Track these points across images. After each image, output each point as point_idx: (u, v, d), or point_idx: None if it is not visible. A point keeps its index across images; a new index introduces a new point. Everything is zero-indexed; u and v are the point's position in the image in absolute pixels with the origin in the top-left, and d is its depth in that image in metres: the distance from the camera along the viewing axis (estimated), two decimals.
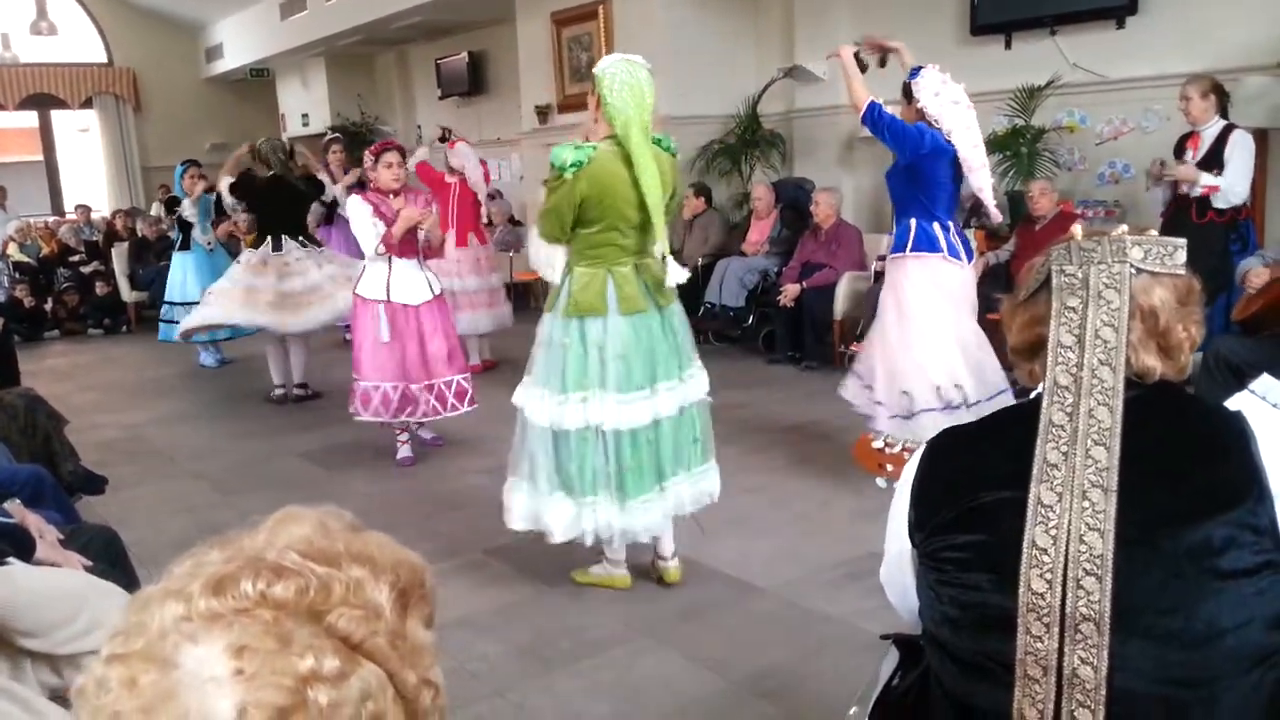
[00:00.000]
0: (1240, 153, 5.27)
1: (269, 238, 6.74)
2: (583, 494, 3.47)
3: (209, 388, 7.73)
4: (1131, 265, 1.42)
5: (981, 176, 4.32)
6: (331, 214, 8.27)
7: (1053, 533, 1.34)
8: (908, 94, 4.35)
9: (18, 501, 2.87)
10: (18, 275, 11.12)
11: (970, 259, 4.47)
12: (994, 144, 6.79)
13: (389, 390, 5.11)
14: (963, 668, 1.42)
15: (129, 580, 2.88)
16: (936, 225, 4.36)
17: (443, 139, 7.80)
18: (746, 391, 6.47)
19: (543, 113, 9.87)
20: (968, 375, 4.34)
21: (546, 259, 3.42)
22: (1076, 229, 1.53)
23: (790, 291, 7.18)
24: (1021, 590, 1.34)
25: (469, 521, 4.43)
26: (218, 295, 6.68)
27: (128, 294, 10.74)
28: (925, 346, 4.35)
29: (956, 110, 4.24)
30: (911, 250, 4.39)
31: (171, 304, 8.20)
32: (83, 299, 10.83)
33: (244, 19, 14.36)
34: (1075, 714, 1.31)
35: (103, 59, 15.76)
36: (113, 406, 7.14)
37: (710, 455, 3.72)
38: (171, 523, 4.57)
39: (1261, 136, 5.58)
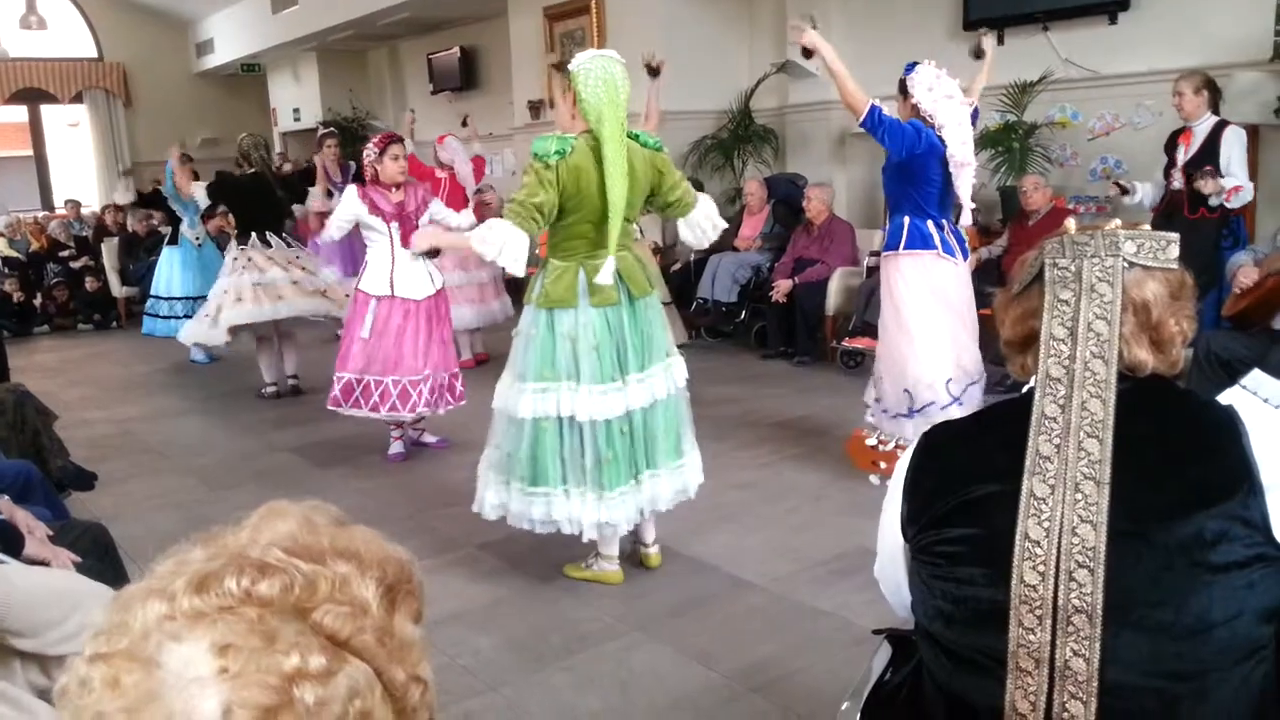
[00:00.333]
0: (1239, 151, 5.29)
1: (253, 235, 6.70)
2: (537, 484, 3.48)
3: (199, 383, 7.70)
4: (1124, 259, 1.43)
5: (964, 175, 4.29)
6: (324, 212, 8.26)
7: (1045, 525, 1.34)
8: (903, 90, 4.35)
9: (6, 498, 2.85)
10: (7, 270, 11.06)
11: (965, 256, 4.47)
12: (986, 139, 6.80)
13: (388, 384, 5.09)
14: (955, 661, 1.42)
15: (118, 576, 2.86)
16: (930, 223, 4.35)
17: (464, 125, 7.96)
18: (738, 387, 6.47)
19: (535, 108, 9.85)
20: (960, 371, 4.34)
21: (502, 244, 3.31)
22: (1070, 223, 1.53)
23: (783, 287, 7.18)
24: (1014, 582, 1.34)
25: (461, 517, 4.41)
26: (230, 297, 6.60)
27: (118, 289, 10.71)
28: (922, 344, 4.34)
29: (950, 105, 4.24)
30: (905, 248, 4.39)
31: (158, 299, 8.17)
32: (72, 294, 10.79)
33: (235, 13, 14.30)
34: (1067, 706, 1.31)
35: (93, 54, 15.68)
36: (102, 402, 7.11)
37: (689, 449, 3.71)
38: (161, 518, 4.55)
39: (1252, 132, 5.59)
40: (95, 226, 12.08)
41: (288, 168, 8.41)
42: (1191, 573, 1.29)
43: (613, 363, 3.45)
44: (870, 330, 5.71)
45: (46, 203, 15.56)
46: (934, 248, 4.34)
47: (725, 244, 8.10)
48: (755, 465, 4.94)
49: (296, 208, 7.50)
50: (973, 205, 4.43)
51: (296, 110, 14.87)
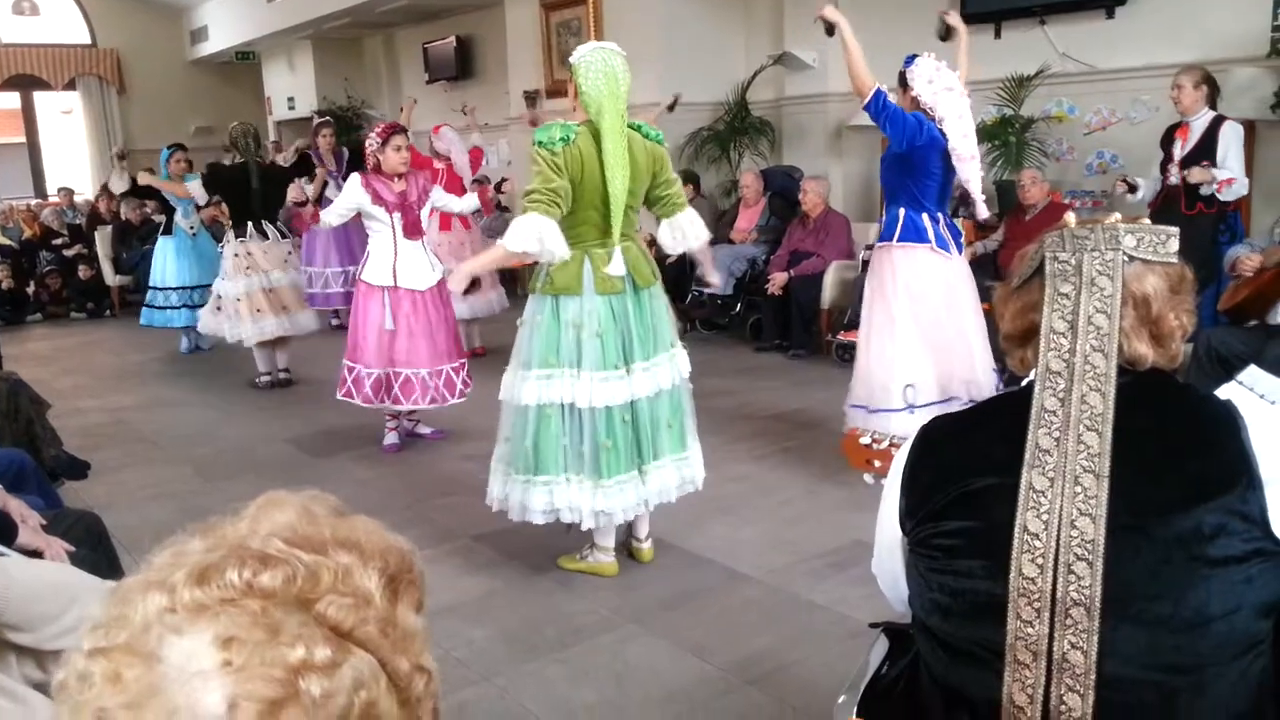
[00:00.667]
0: (1237, 146, 5.30)
1: (249, 226, 6.72)
2: (540, 472, 3.48)
3: (193, 373, 7.68)
4: (1125, 253, 1.42)
5: (970, 168, 4.29)
6: (319, 196, 8.24)
7: (1044, 518, 1.34)
8: (903, 82, 4.34)
9: None
10: None
11: (960, 251, 4.45)
12: (983, 133, 6.77)
13: (390, 376, 5.08)
14: (953, 654, 1.42)
15: (111, 566, 2.86)
16: (925, 216, 4.34)
17: (464, 113, 8.06)
18: (733, 379, 6.47)
19: (531, 98, 9.82)
20: (929, 380, 4.31)
21: (539, 235, 3.32)
22: (1070, 217, 1.53)
23: (778, 280, 7.18)
24: (1012, 575, 1.34)
25: (457, 508, 4.42)
26: (245, 306, 6.68)
27: (111, 278, 10.65)
28: (906, 340, 4.34)
29: (950, 98, 4.22)
30: (899, 240, 4.38)
31: (155, 289, 8.15)
32: (65, 282, 10.74)
33: (230, 1, 14.23)
34: (1065, 699, 1.31)
35: (86, 40, 15.59)
36: (96, 391, 7.09)
37: (691, 441, 3.72)
38: (155, 508, 4.54)
39: (1249, 128, 5.60)
40: (89, 214, 12.02)
41: (280, 159, 8.34)
42: (1190, 566, 1.29)
43: (617, 351, 3.46)
44: None
45: (39, 190, 15.48)
46: (928, 241, 4.33)
47: (721, 237, 8.09)
48: (750, 458, 4.94)
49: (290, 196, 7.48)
50: (983, 197, 4.41)
51: (291, 99, 14.80)
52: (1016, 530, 1.35)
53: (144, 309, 8.25)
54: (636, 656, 3.12)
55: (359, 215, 5.15)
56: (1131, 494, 1.33)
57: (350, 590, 0.72)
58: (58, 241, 11.33)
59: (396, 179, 5.09)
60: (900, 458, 1.56)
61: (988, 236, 6.71)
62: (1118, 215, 1.49)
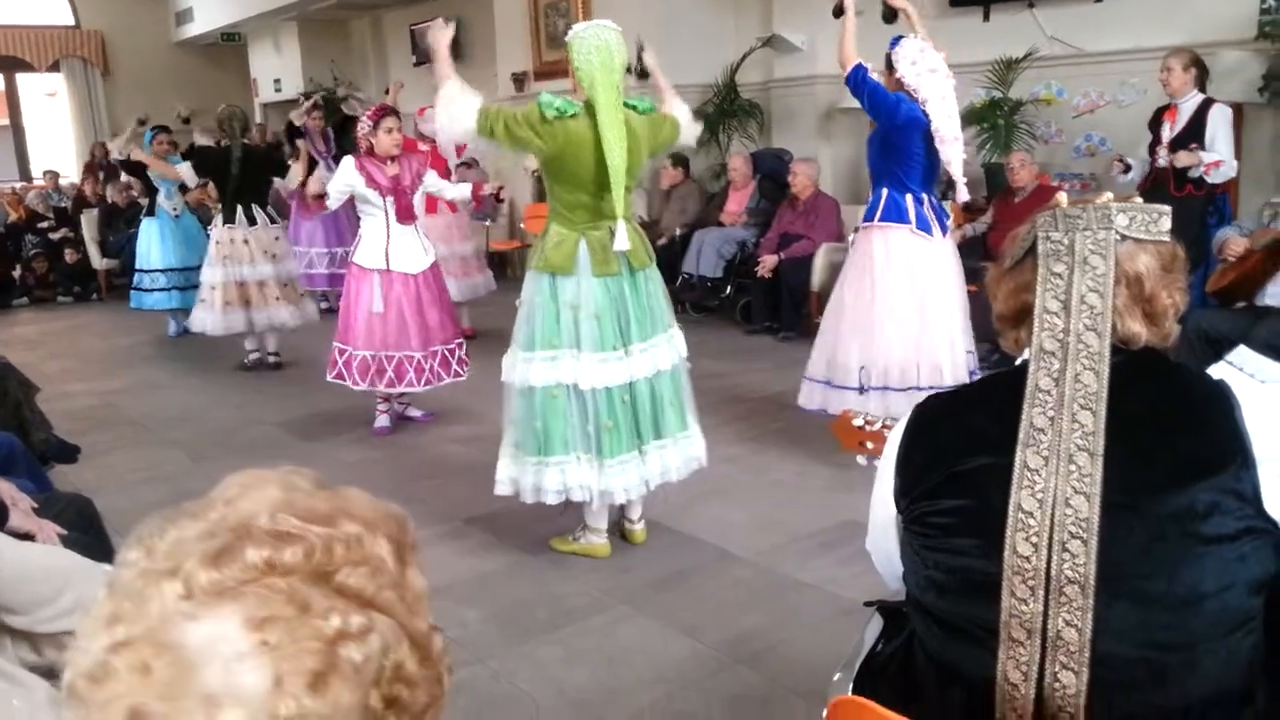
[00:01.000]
0: (1225, 128, 5.31)
1: (237, 208, 6.68)
2: (550, 453, 3.49)
3: (182, 355, 7.65)
4: (1117, 232, 1.43)
5: (953, 150, 4.27)
6: (307, 177, 8.21)
7: (1039, 496, 1.35)
8: (889, 64, 4.34)
9: None
10: None
11: (945, 232, 4.46)
12: (971, 116, 6.79)
13: (384, 359, 5.08)
14: (947, 632, 1.43)
15: (103, 548, 2.85)
16: (909, 197, 4.35)
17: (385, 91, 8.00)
18: (724, 362, 6.47)
19: (519, 80, 9.78)
20: (896, 357, 4.34)
21: (454, 104, 3.37)
22: (1062, 196, 1.53)
23: (768, 262, 7.19)
24: (1006, 554, 1.35)
25: (448, 490, 4.42)
26: (219, 295, 6.70)
27: (98, 261, 10.59)
28: (872, 320, 4.37)
29: (934, 79, 4.23)
30: (879, 220, 4.41)
31: (142, 272, 8.12)
32: (52, 266, 10.67)
33: None
34: (1059, 676, 1.33)
35: (70, 21, 15.43)
36: (84, 375, 7.06)
37: (692, 420, 3.74)
38: (145, 491, 4.52)
39: (1237, 111, 5.61)
40: (74, 198, 11.93)
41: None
42: (1184, 544, 1.30)
43: (615, 332, 3.47)
44: None
45: (24, 173, 15.35)
46: (908, 222, 4.34)
47: (710, 219, 8.10)
48: (740, 440, 4.96)
49: (277, 181, 7.43)
50: (964, 180, 4.41)
51: (278, 81, 14.68)
52: (1011, 509, 1.36)
53: (133, 292, 8.22)
54: (628, 637, 3.13)
55: (351, 198, 5.13)
56: (1125, 473, 1.34)
57: (363, 559, 0.74)
58: (43, 225, 11.25)
59: (389, 162, 5.07)
60: (895, 436, 1.57)
61: (976, 219, 6.72)
62: (1110, 195, 1.49)
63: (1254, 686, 1.34)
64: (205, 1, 14.61)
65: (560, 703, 2.81)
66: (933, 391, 4.14)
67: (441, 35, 3.58)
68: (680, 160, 8.38)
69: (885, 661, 1.59)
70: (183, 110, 6.84)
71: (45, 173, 13.18)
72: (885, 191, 4.39)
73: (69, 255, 10.67)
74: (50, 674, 1.49)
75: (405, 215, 5.10)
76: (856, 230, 4.63)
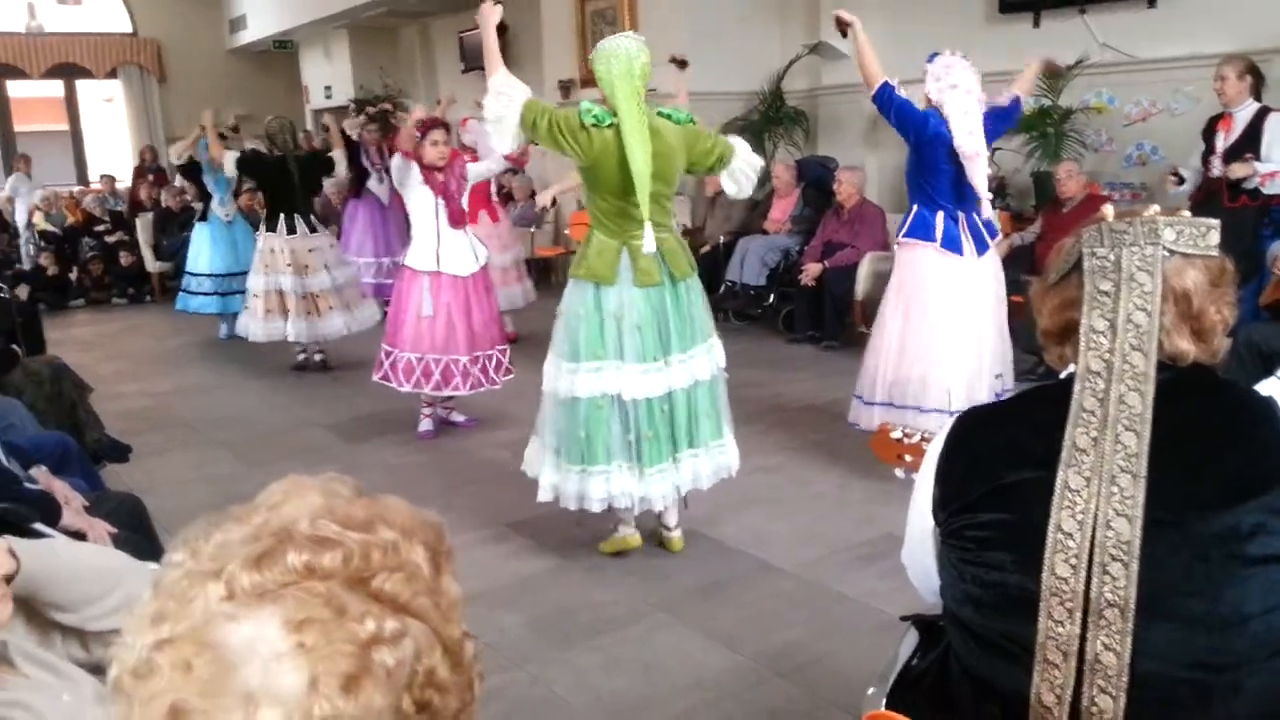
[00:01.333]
0: None
1: (281, 217, 6.80)
2: (594, 462, 3.52)
3: (232, 358, 7.77)
4: (1164, 247, 1.41)
5: (975, 166, 4.19)
6: (359, 187, 8.33)
7: (1079, 518, 1.34)
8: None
9: (44, 468, 2.90)
10: (43, 244, 11.21)
11: (982, 251, 4.36)
12: (1020, 124, 6.70)
13: (431, 362, 5.14)
14: (984, 647, 1.42)
15: (152, 548, 2.90)
16: (940, 214, 4.30)
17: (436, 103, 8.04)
18: (765, 371, 6.45)
19: (565, 87, 9.82)
20: (913, 375, 4.31)
21: (510, 96, 3.44)
22: (1108, 210, 1.51)
23: (812, 270, 7.15)
24: (1045, 575, 1.34)
25: (490, 495, 4.45)
26: (260, 303, 6.87)
27: (152, 264, 10.81)
28: (895, 338, 4.38)
29: (954, 95, 4.17)
30: (904, 236, 4.40)
31: (192, 275, 8.30)
32: (107, 268, 10.90)
33: None
34: (1096, 700, 1.31)
35: (127, 29, 15.78)
36: (137, 375, 7.20)
37: (726, 430, 3.74)
38: (195, 492, 4.61)
39: None
40: (129, 202, 12.18)
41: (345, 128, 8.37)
42: (1226, 565, 1.28)
43: (656, 343, 3.50)
44: None
45: (82, 178, 15.70)
46: (933, 240, 4.29)
47: (754, 227, 8.08)
48: (781, 450, 4.93)
49: (327, 186, 7.54)
50: (990, 196, 4.32)
51: (328, 88, 14.89)
52: (1050, 530, 1.34)
53: (179, 294, 8.40)
54: (667, 646, 3.13)
55: (400, 200, 5.20)
56: (1170, 490, 1.32)
57: (399, 565, 0.75)
58: (100, 228, 11.50)
59: (436, 172, 5.14)
60: (934, 448, 1.56)
61: (1025, 228, 6.64)
62: (1156, 208, 1.47)
63: None
64: (259, 9, 14.86)
65: (596, 709, 2.82)
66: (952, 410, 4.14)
67: (490, 13, 3.63)
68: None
69: (920, 675, 1.58)
70: (231, 118, 6.93)
71: (102, 177, 13.47)
72: (915, 208, 4.38)
73: (124, 258, 10.90)
74: (97, 670, 1.52)
75: (456, 220, 5.18)
76: (897, 244, 4.61)
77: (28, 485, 2.73)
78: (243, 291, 7.26)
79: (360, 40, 14.25)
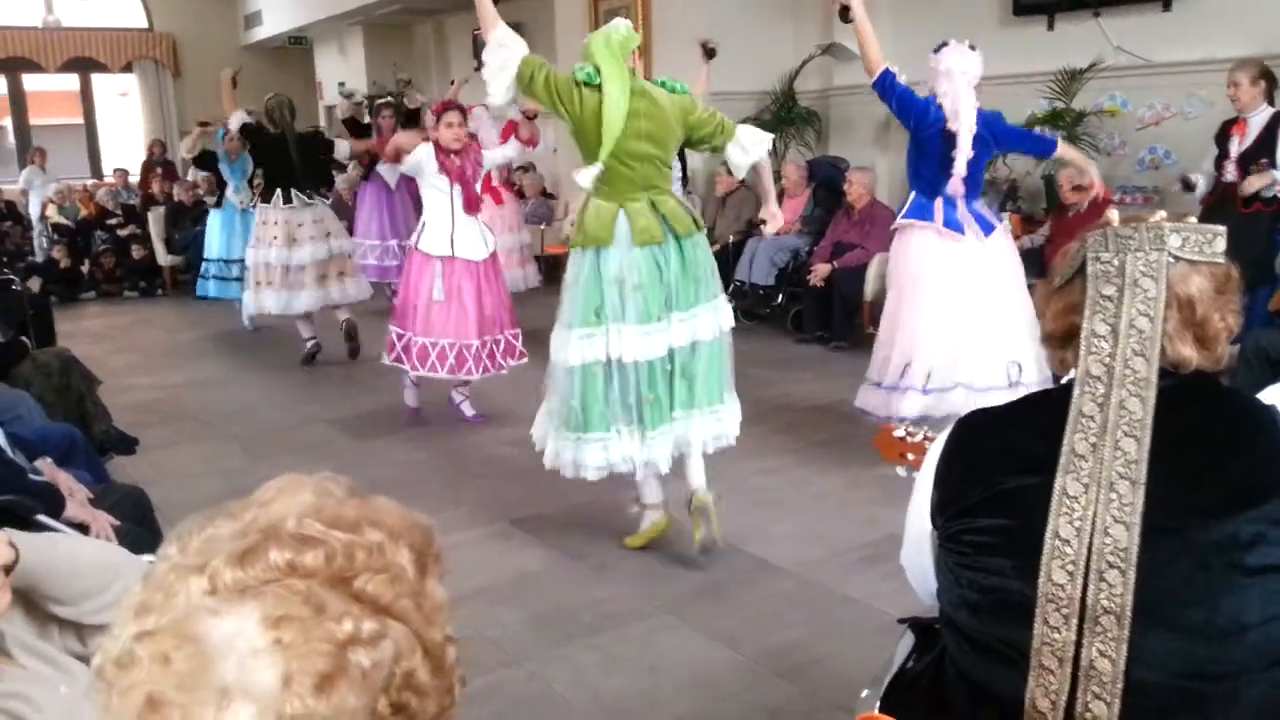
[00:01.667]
0: None
1: (277, 191, 6.90)
2: (590, 429, 3.53)
3: (243, 351, 7.81)
4: (1169, 253, 1.40)
5: (960, 144, 4.20)
6: (369, 171, 8.40)
7: (1076, 524, 1.33)
8: None
9: (49, 460, 2.91)
10: (56, 237, 11.28)
11: (987, 232, 4.35)
12: (1033, 126, 6.69)
13: (445, 347, 5.18)
14: (980, 652, 1.41)
15: (156, 541, 2.91)
16: (939, 201, 4.32)
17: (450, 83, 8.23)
18: (773, 370, 6.44)
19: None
20: (941, 357, 4.30)
21: (502, 61, 3.56)
22: (1113, 214, 1.50)
23: (821, 271, 7.14)
24: (1041, 580, 1.33)
25: (495, 491, 4.46)
26: (261, 280, 6.98)
27: (163, 257, 10.85)
28: (901, 320, 4.40)
29: (947, 79, 4.22)
30: (903, 218, 4.43)
31: (209, 261, 8.41)
32: (119, 261, 10.95)
33: None
34: (1090, 706, 1.30)
35: (143, 24, 15.85)
36: (147, 368, 7.23)
37: (729, 396, 3.72)
38: (201, 485, 4.62)
39: None
40: (142, 196, 12.24)
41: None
42: (1225, 574, 1.27)
43: (659, 302, 3.50)
44: None
45: (96, 171, 15.79)
46: (932, 219, 4.31)
47: None
48: (787, 450, 4.93)
49: (340, 182, 7.60)
50: (963, 174, 4.28)
51: (342, 84, 14.91)
52: (1048, 536, 1.34)
53: (199, 280, 8.51)
54: (668, 645, 3.13)
55: (414, 184, 5.25)
56: (1171, 497, 1.31)
57: (384, 566, 0.75)
58: (112, 221, 11.55)
59: (453, 155, 5.17)
60: (934, 451, 1.55)
61: (1034, 231, 6.62)
62: (1163, 213, 1.46)
63: None
64: (274, 5, 14.91)
65: (595, 708, 2.81)
66: (964, 389, 4.14)
67: None
68: None
69: (915, 678, 1.57)
70: (244, 115, 6.99)
71: (115, 170, 13.53)
72: (914, 194, 4.43)
73: (136, 251, 10.94)
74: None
75: (471, 206, 5.23)
76: (895, 227, 4.64)
77: (33, 477, 2.74)
78: None
79: (375, 37, 14.28)
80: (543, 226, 9.77)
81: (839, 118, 8.51)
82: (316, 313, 7.09)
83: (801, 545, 3.83)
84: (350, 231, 8.10)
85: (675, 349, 3.53)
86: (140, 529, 2.80)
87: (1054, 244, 6.09)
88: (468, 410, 5.61)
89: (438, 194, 5.20)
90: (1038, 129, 5.83)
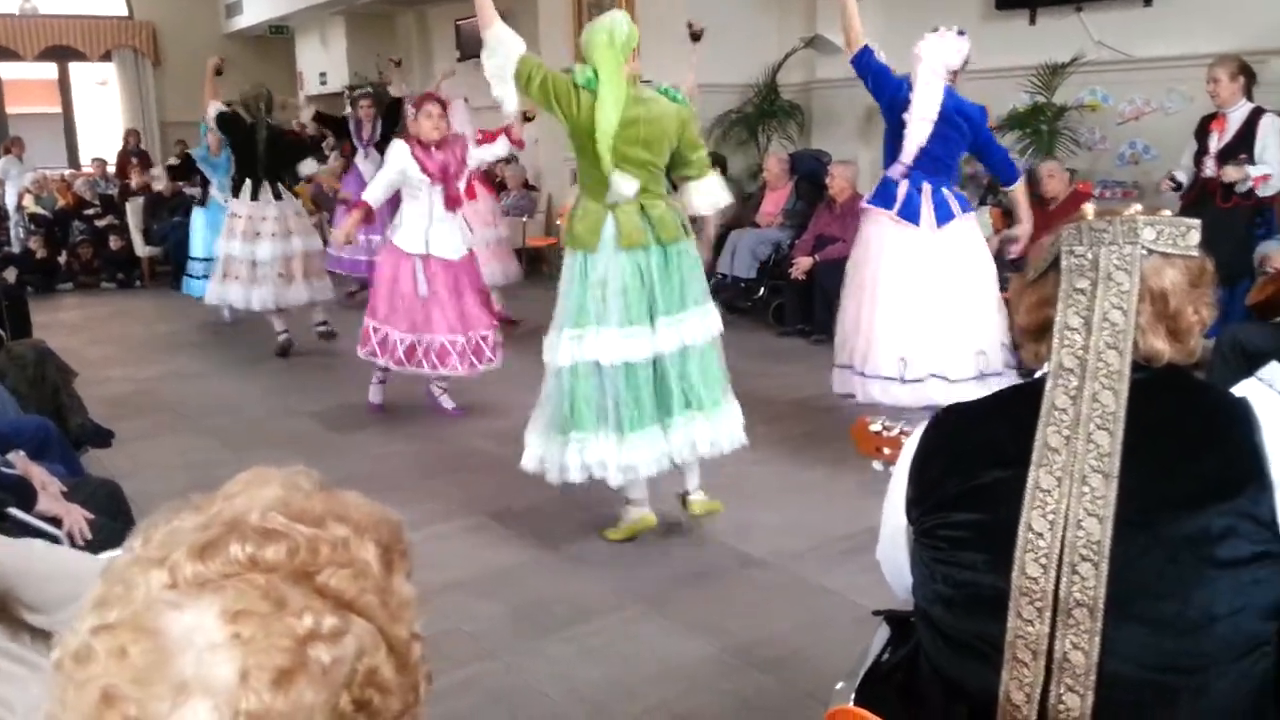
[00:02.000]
0: (1276, 139, 5.20)
1: (246, 183, 6.87)
2: (569, 430, 3.53)
3: (221, 344, 7.75)
4: (1143, 246, 1.40)
5: (914, 129, 4.25)
6: (349, 164, 8.38)
7: (1049, 517, 1.33)
8: None
9: (21, 453, 2.88)
10: (33, 227, 11.15)
11: (944, 221, 4.34)
12: (1014, 121, 6.72)
13: (417, 342, 5.15)
14: (953, 646, 1.41)
15: (131, 534, 2.89)
16: (906, 183, 4.32)
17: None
18: (755, 363, 6.42)
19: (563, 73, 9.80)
20: (905, 346, 4.32)
21: (506, 47, 3.48)
22: (1088, 208, 1.50)
23: (803, 264, 7.14)
24: (1015, 574, 1.33)
25: (474, 484, 4.44)
26: (228, 272, 6.99)
27: (141, 249, 10.75)
28: (854, 305, 4.45)
29: (915, 64, 4.25)
30: (866, 201, 4.46)
31: (194, 260, 8.35)
32: (96, 252, 10.85)
33: None
34: (1063, 698, 1.30)
35: (123, 12, 15.68)
36: (125, 361, 7.17)
37: (727, 400, 3.74)
38: (177, 478, 4.58)
39: None
40: (120, 186, 12.13)
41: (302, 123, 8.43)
42: (1197, 567, 1.27)
43: (641, 307, 3.51)
44: None
45: (73, 161, 15.62)
46: (890, 208, 4.32)
47: (746, 220, 8.06)
48: (768, 442, 4.92)
49: (320, 175, 7.56)
50: (909, 165, 4.32)
51: (323, 74, 14.83)
52: (1021, 529, 1.34)
53: (185, 278, 8.47)
54: (645, 637, 3.13)
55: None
56: (1143, 490, 1.31)
57: (349, 561, 0.74)
58: (90, 212, 11.44)
59: (435, 149, 5.11)
60: (910, 445, 1.55)
61: (1013, 225, 6.63)
62: (1138, 206, 1.46)
63: (1264, 711, 1.31)
64: None
65: (572, 700, 2.81)
66: (937, 379, 4.16)
67: None
68: (717, 159, 8.34)
69: (890, 671, 1.57)
70: (221, 105, 6.95)
71: (93, 160, 13.40)
72: (884, 174, 4.43)
73: (113, 242, 10.84)
74: None
75: (452, 203, 5.19)
76: (861, 209, 4.67)
77: (4, 470, 2.71)
78: None
79: (356, 27, 14.17)
80: (524, 219, 9.74)
81: (821, 111, 8.51)
82: (292, 309, 7.05)
83: (782, 537, 3.83)
84: (331, 223, 8.07)
85: (665, 354, 3.54)
86: (115, 523, 2.78)
87: (1033, 237, 6.10)
88: (447, 403, 5.58)
89: (415, 192, 5.15)
90: (1012, 139, 5.88)
